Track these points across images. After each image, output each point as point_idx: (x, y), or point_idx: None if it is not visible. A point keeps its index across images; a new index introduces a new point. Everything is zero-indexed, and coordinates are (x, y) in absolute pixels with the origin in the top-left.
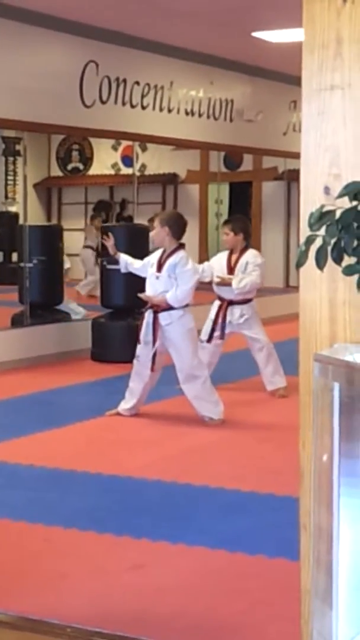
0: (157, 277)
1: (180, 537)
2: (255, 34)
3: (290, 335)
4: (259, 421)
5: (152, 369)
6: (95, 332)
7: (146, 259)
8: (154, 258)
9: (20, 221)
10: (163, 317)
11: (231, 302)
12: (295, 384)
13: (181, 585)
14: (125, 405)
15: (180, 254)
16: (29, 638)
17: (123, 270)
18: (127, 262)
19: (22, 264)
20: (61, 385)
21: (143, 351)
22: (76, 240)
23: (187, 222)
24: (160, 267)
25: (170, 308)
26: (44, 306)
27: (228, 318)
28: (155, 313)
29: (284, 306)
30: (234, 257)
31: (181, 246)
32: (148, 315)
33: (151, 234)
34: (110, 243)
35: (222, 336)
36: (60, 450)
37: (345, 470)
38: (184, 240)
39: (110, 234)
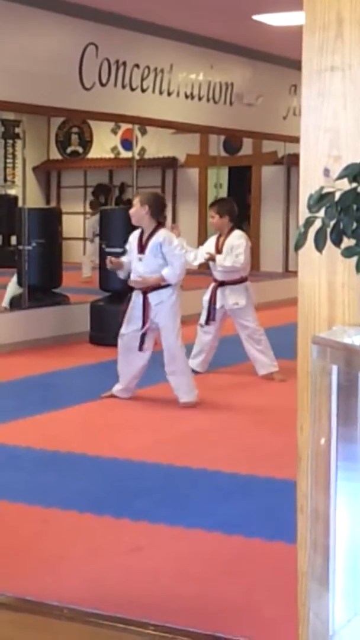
0: (140, 259)
1: (178, 520)
2: (256, 17)
3: (290, 319)
4: (257, 404)
5: (141, 348)
6: (94, 316)
7: (127, 246)
8: (133, 241)
9: (19, 204)
10: (152, 297)
11: (222, 283)
12: (293, 368)
13: (179, 567)
14: (118, 386)
15: (162, 232)
16: (26, 619)
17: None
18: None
19: (20, 247)
20: (59, 368)
21: (127, 330)
22: (75, 224)
23: (166, 204)
24: (142, 248)
25: (159, 288)
26: (42, 289)
27: (221, 303)
28: (145, 294)
29: (283, 291)
30: (221, 239)
31: (160, 225)
32: (136, 297)
33: (130, 211)
34: (115, 265)
35: (213, 317)
36: (58, 432)
37: (343, 454)
38: (183, 224)
39: (110, 259)
